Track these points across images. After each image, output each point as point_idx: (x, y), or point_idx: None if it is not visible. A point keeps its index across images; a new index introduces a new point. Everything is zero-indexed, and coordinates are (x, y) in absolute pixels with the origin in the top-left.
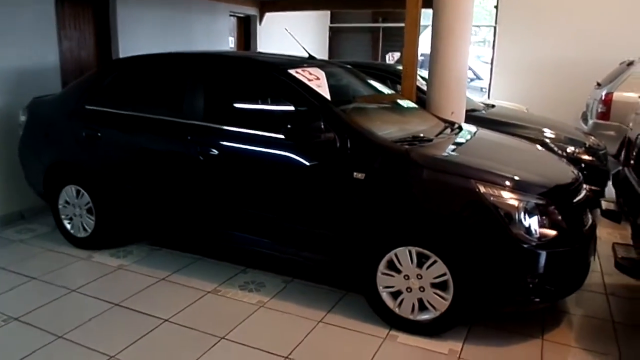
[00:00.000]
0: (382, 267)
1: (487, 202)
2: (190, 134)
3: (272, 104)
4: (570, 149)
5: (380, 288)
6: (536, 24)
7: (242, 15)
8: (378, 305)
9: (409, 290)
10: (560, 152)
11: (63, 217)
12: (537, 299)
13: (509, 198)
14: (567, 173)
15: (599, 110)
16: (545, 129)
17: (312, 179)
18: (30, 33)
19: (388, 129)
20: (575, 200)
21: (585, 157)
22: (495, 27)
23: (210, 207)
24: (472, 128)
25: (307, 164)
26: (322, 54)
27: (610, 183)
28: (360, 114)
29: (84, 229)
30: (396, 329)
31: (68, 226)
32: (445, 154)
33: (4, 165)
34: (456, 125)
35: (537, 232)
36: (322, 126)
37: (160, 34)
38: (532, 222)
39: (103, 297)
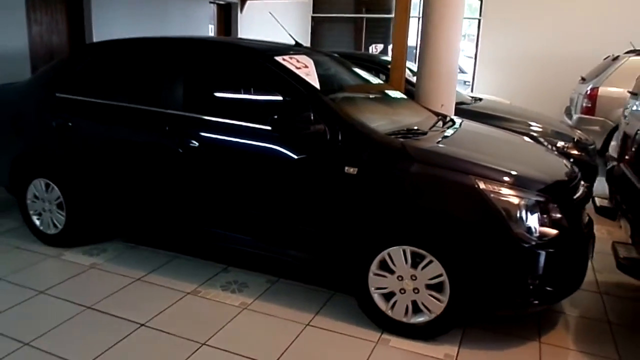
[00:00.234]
0: (374, 267)
1: (487, 199)
2: (169, 124)
3: (257, 93)
4: (560, 143)
5: (372, 289)
6: (521, 17)
7: (222, 2)
8: (369, 307)
9: (402, 291)
10: (550, 146)
11: (31, 212)
12: (536, 301)
13: (511, 195)
14: (565, 169)
15: (584, 105)
16: (532, 123)
17: (299, 174)
18: None
19: (380, 121)
20: (575, 197)
21: (575, 152)
22: (479, 20)
23: (190, 203)
24: (465, 121)
25: (295, 157)
26: (304, 44)
27: (598, 179)
28: (350, 105)
29: (54, 225)
30: (388, 332)
31: (37, 222)
32: (442, 148)
33: None
34: (448, 118)
35: (539, 231)
36: (312, 117)
37: (136, 20)
38: (534, 221)
39: (74, 300)
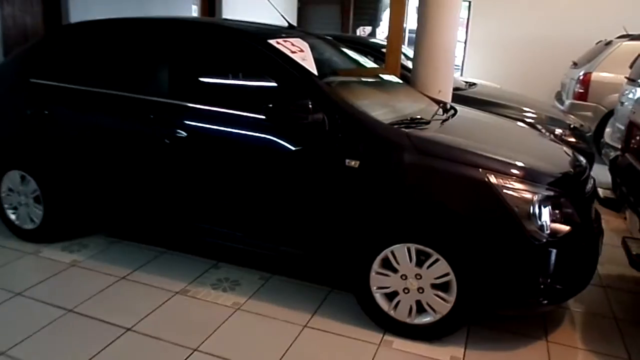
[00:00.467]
0: (376, 265)
1: (499, 194)
2: (153, 113)
3: (250, 79)
4: (557, 131)
5: (373, 289)
6: (512, 1)
7: None
8: (370, 307)
9: (406, 291)
10: (547, 134)
11: (6, 206)
12: (546, 301)
13: (523, 190)
14: (575, 160)
15: (577, 90)
16: (526, 108)
17: (295, 166)
18: None
19: (380, 110)
20: (586, 191)
21: (571, 139)
22: (470, 3)
23: (177, 196)
24: (466, 109)
25: (291, 148)
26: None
27: (594, 167)
28: (348, 92)
29: (31, 220)
30: (391, 333)
31: (12, 217)
32: (448, 140)
33: None
34: (448, 106)
35: (551, 227)
36: (310, 106)
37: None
38: (547, 217)
39: (53, 302)
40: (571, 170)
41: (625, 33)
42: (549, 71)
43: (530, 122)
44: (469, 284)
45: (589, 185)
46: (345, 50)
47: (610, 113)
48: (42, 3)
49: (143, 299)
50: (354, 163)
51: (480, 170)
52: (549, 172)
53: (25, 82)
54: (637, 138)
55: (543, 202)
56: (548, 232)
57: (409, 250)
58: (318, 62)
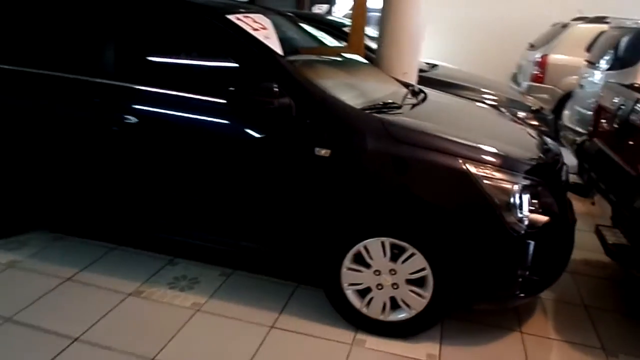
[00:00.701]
0: (348, 261)
1: (478, 184)
2: (99, 96)
3: (208, 59)
4: (521, 114)
5: (344, 285)
6: None
7: None
8: (341, 304)
9: (379, 287)
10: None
11: None
12: (522, 294)
13: (502, 179)
14: (549, 147)
15: (534, 72)
16: (486, 90)
17: (260, 156)
18: None
19: (349, 93)
20: (563, 179)
21: (534, 122)
22: None
23: (127, 189)
24: (434, 92)
25: (255, 136)
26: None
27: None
28: (313, 73)
29: None
30: (363, 331)
31: None
32: (424, 126)
33: None
34: (417, 88)
35: (531, 218)
36: (276, 89)
37: None
38: (526, 207)
39: None
40: (548, 157)
41: (580, 15)
42: (505, 53)
43: (492, 105)
44: (446, 278)
45: (564, 173)
46: (306, 27)
47: (566, 95)
48: None
49: (92, 303)
50: (324, 152)
51: (459, 159)
52: (527, 160)
53: None
54: (606, 122)
55: (522, 192)
56: (527, 223)
57: (383, 244)
58: (281, 40)
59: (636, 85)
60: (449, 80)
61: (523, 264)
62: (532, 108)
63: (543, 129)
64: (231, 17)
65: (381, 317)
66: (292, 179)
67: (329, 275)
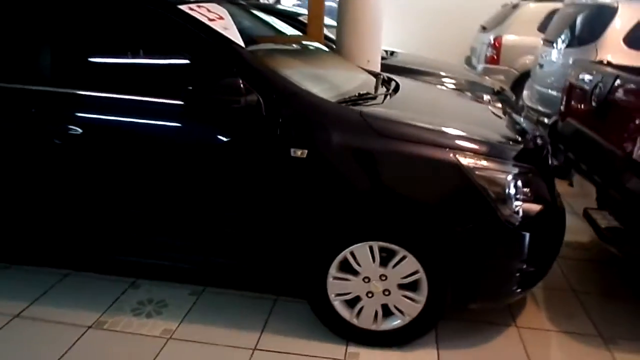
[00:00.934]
0: (333, 270)
1: (470, 177)
2: (35, 106)
3: (161, 57)
4: (485, 97)
5: (331, 296)
6: None
7: None
8: (329, 317)
9: (369, 295)
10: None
11: None
12: (519, 289)
13: (495, 170)
14: (532, 131)
15: (488, 54)
16: (444, 73)
17: (227, 162)
18: None
19: (320, 85)
20: (551, 165)
21: (498, 104)
22: None
23: (76, 208)
24: (406, 80)
25: (221, 139)
26: None
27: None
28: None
29: None
30: (355, 343)
31: None
32: (407, 117)
33: None
34: (386, 77)
35: (525, 208)
36: (242, 85)
37: None
38: (520, 197)
39: None
40: (533, 142)
41: None
42: (456, 36)
43: (453, 89)
44: (441, 281)
45: (550, 157)
46: (261, 16)
47: (522, 76)
48: None
49: (46, 342)
50: (300, 153)
51: (448, 150)
52: (516, 146)
53: None
54: (580, 101)
55: (515, 181)
56: (522, 213)
57: (371, 249)
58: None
59: (609, 61)
60: (409, 67)
61: (519, 257)
62: (494, 90)
63: (508, 110)
64: (184, 7)
65: (373, 327)
66: (266, 186)
67: (314, 286)
